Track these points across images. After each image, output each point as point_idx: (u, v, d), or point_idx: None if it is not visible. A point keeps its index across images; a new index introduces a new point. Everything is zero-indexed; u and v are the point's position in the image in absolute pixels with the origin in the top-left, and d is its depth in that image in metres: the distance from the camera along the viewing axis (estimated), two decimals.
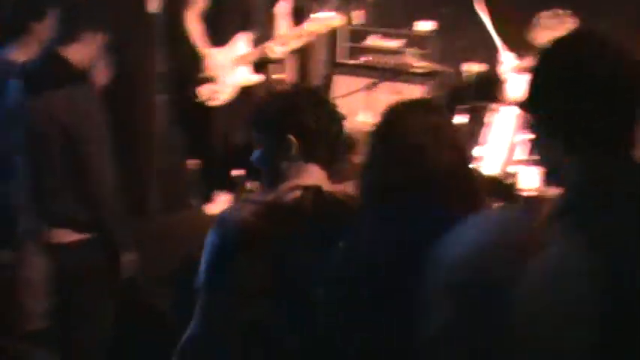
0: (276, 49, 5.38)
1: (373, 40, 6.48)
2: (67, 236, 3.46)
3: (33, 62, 3.66)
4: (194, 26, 5.39)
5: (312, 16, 5.49)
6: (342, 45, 6.42)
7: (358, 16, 6.48)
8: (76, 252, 3.45)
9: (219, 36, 5.41)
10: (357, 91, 5.95)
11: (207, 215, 5.50)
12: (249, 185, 5.54)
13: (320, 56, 6.29)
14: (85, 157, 3.37)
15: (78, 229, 3.45)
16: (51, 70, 3.46)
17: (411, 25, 6.42)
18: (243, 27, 5.39)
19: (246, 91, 5.46)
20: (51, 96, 3.37)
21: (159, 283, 4.48)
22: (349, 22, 6.34)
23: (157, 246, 4.81)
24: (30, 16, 4.22)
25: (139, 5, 5.69)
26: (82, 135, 3.36)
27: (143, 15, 5.71)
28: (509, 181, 4.52)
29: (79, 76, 3.46)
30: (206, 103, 5.44)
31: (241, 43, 5.37)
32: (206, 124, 5.62)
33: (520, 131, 4.59)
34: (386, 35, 6.46)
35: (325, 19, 5.46)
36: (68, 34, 3.46)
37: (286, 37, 5.42)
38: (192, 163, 5.98)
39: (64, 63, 3.41)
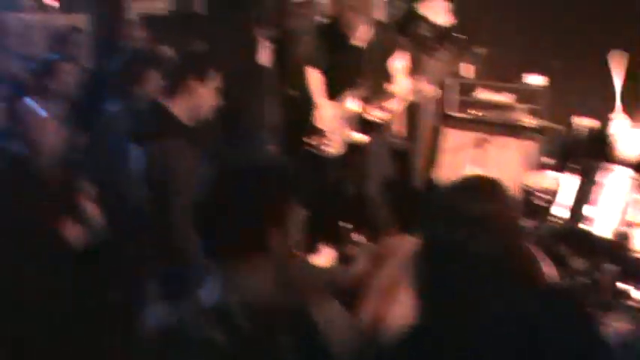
0: (389, 106, 5.45)
1: (482, 94, 6.48)
2: None
3: (141, 112, 3.87)
4: (311, 78, 5.50)
5: (414, 83, 5.52)
6: (452, 97, 6.44)
7: (468, 69, 6.52)
8: None
9: (333, 89, 5.49)
10: (466, 145, 5.96)
11: (311, 267, 5.57)
12: (355, 238, 5.60)
13: (429, 109, 6.32)
14: (168, 207, 3.46)
15: None
16: (156, 121, 3.65)
17: (521, 79, 6.42)
18: (357, 81, 5.45)
19: (356, 144, 5.54)
20: (151, 146, 3.54)
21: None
22: (459, 75, 6.41)
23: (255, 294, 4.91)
24: (143, 66, 4.47)
25: (252, 56, 5.89)
26: (169, 186, 3.46)
27: (255, 66, 5.92)
28: (621, 242, 4.43)
29: (181, 129, 3.60)
30: (317, 155, 5.54)
31: (352, 100, 5.46)
32: (315, 176, 5.72)
33: (634, 192, 4.50)
34: (495, 89, 6.46)
35: (418, 88, 5.52)
36: (177, 85, 3.62)
37: (398, 93, 5.48)
38: (298, 210, 6.07)
39: (170, 115, 3.59)
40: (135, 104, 4.27)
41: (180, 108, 3.62)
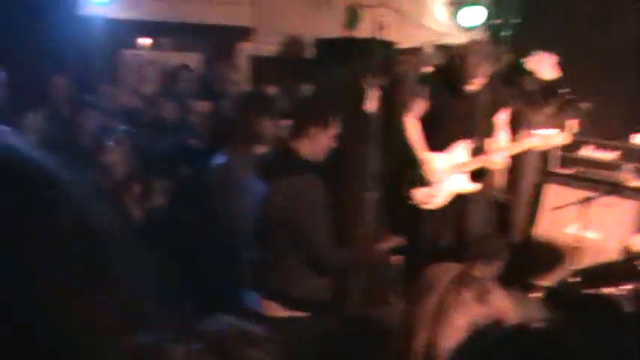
0: (495, 160, 5.46)
1: (587, 151, 6.41)
2: (279, 311, 3.77)
3: (268, 152, 4.08)
4: (413, 129, 5.55)
5: (533, 132, 5.53)
6: (555, 154, 6.40)
7: (573, 125, 6.47)
8: (284, 328, 3.64)
9: (440, 139, 5.53)
10: (569, 204, 5.91)
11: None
12: None
13: (532, 163, 6.29)
14: (302, 234, 3.75)
15: (289, 305, 3.75)
16: (282, 160, 3.88)
17: (627, 138, 6.34)
18: (464, 135, 5.49)
19: (458, 199, 5.56)
20: (278, 182, 3.81)
21: None
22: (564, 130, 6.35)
23: (346, 340, 4.99)
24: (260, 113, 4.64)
25: (359, 103, 5.98)
26: (299, 217, 3.74)
27: (362, 113, 6.00)
28: None
29: (305, 166, 3.85)
30: (418, 206, 5.57)
31: (460, 151, 5.49)
32: (415, 225, 5.75)
33: None
34: (600, 146, 6.38)
35: (547, 137, 5.49)
36: (301, 130, 3.86)
37: (505, 148, 5.49)
38: (396, 259, 6.11)
39: (295, 155, 3.82)
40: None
41: (304, 149, 3.86)
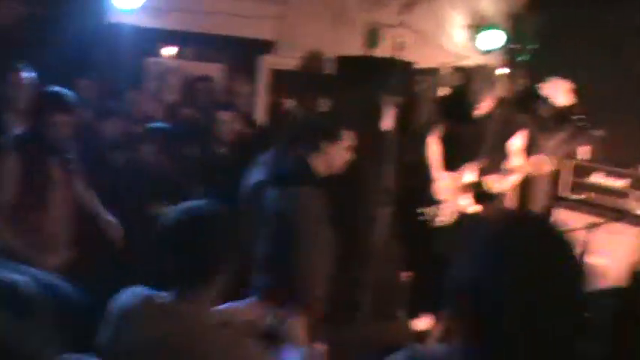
0: (499, 185, 5.55)
1: (597, 178, 6.50)
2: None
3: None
4: (432, 149, 5.67)
5: (532, 158, 5.61)
6: (566, 179, 6.49)
7: (584, 152, 6.56)
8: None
9: (451, 159, 5.64)
10: (578, 229, 5.99)
11: (410, 330, 5.69)
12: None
13: (542, 187, 6.38)
14: (295, 246, 3.80)
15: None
16: (297, 173, 4.02)
17: (637, 166, 6.42)
18: (473, 157, 5.58)
19: (467, 217, 5.66)
20: (285, 191, 3.96)
21: None
22: (574, 157, 6.45)
23: (354, 352, 5.09)
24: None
25: (375, 120, 6.10)
26: (299, 227, 3.81)
27: (377, 131, 6.11)
28: None
29: (316, 180, 3.99)
30: (429, 223, 5.68)
31: (469, 173, 5.59)
32: (425, 242, 5.85)
33: None
34: (611, 174, 6.47)
35: (539, 164, 5.60)
36: (313, 143, 4.02)
37: (515, 169, 5.60)
38: (405, 275, 6.20)
39: (306, 167, 3.99)
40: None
41: (317, 163, 4.00)
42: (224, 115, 5.88)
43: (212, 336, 2.32)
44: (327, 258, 4.03)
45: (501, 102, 5.65)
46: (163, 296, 2.39)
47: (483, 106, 5.48)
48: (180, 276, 2.39)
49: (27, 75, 5.04)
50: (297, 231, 3.80)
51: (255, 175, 4.58)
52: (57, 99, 4.46)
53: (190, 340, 2.27)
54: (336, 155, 4.05)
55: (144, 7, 6.79)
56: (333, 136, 4.04)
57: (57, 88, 4.52)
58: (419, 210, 5.67)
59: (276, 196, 3.98)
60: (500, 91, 5.62)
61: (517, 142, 5.64)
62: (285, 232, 3.83)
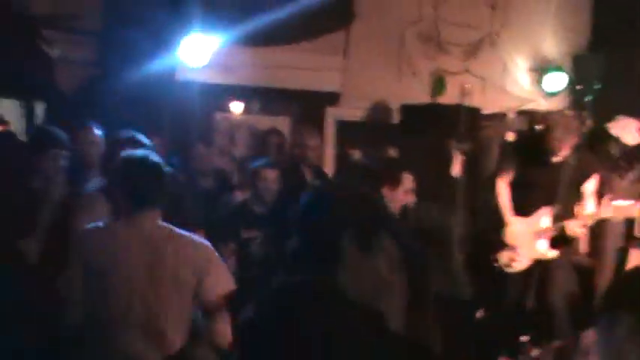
0: (575, 228, 5.50)
1: None
2: None
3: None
4: (503, 193, 5.65)
5: (613, 203, 5.55)
6: None
7: None
8: None
9: (526, 205, 5.62)
10: None
11: None
12: (533, 352, 5.62)
13: (616, 228, 6.28)
14: None
15: None
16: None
17: None
18: (548, 202, 5.56)
19: (542, 263, 5.61)
20: None
21: None
22: None
23: None
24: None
25: (444, 167, 6.11)
26: None
27: (448, 177, 6.12)
28: None
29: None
30: (503, 269, 5.64)
31: (544, 217, 5.55)
32: (499, 288, 5.81)
33: None
34: None
35: (625, 209, 5.52)
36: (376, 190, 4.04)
37: (587, 217, 5.54)
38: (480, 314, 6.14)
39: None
40: None
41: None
42: (268, 173, 5.77)
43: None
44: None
45: (577, 146, 5.64)
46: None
47: (562, 154, 5.49)
48: None
49: (98, 132, 5.16)
50: None
51: None
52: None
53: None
54: (397, 199, 4.14)
55: (212, 64, 6.94)
56: (393, 180, 4.12)
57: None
58: (493, 255, 5.65)
59: None
60: (574, 135, 5.60)
61: (591, 185, 5.61)
62: None
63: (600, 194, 5.86)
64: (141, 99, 6.55)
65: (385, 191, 4.07)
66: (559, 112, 6.08)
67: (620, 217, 5.66)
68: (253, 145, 7.28)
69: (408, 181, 4.22)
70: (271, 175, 5.50)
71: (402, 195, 4.17)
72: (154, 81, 6.68)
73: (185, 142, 6.75)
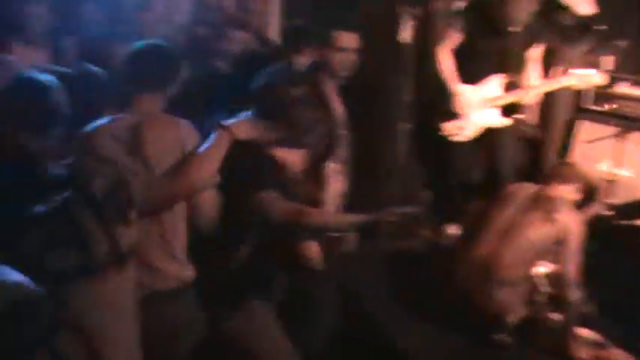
0: (527, 96, 5.45)
1: (621, 88, 6.34)
2: None
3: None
4: (445, 62, 5.52)
5: (570, 70, 5.48)
6: (589, 90, 6.34)
7: (607, 62, 6.39)
8: None
9: (470, 74, 5.51)
10: (602, 138, 5.88)
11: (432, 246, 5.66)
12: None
13: (565, 99, 6.24)
14: None
15: None
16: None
17: None
18: (498, 70, 5.47)
19: (490, 132, 5.56)
20: None
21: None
22: (598, 67, 6.28)
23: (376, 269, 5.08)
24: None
25: (392, 34, 5.94)
26: None
27: (395, 43, 5.95)
28: None
29: None
30: (449, 138, 5.58)
31: (494, 85, 5.47)
32: (445, 158, 5.76)
33: None
34: (635, 83, 6.30)
35: (585, 77, 5.46)
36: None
37: (540, 85, 5.47)
38: (425, 194, 6.13)
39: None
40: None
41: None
42: (238, 35, 5.67)
43: None
44: None
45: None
46: None
47: (519, 25, 5.40)
48: None
49: None
50: None
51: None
52: None
53: None
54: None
55: None
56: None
57: None
58: (439, 124, 5.56)
59: None
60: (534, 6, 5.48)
61: (535, 53, 5.55)
62: None
63: (549, 63, 5.79)
64: None
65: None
66: None
67: (579, 86, 5.60)
68: (195, 11, 6.95)
69: (347, 39, 4.25)
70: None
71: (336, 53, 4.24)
72: None
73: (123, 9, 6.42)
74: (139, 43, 3.33)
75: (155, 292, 3.11)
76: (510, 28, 5.40)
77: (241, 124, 3.32)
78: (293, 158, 3.43)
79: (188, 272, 3.29)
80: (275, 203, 3.24)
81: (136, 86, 3.22)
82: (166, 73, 3.27)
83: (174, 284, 3.22)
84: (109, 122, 3.12)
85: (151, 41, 3.40)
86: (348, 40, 4.31)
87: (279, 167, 3.36)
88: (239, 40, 5.72)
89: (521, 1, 5.36)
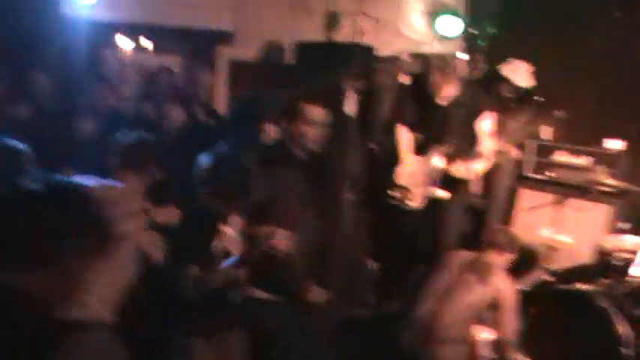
0: (461, 169, 5.53)
1: (560, 156, 6.51)
2: None
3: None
4: (402, 134, 5.65)
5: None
6: (530, 159, 6.50)
7: (546, 132, 6.58)
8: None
9: (418, 145, 5.64)
10: (543, 205, 6.01)
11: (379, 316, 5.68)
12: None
13: (507, 168, 6.37)
14: None
15: None
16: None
17: (599, 143, 6.44)
18: (442, 139, 5.58)
19: (435, 203, 5.64)
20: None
21: None
22: (537, 137, 6.46)
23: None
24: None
25: (338, 106, 6.04)
26: None
27: (341, 115, 6.06)
28: None
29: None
30: (397, 207, 5.64)
31: (435, 157, 5.57)
32: (392, 227, 5.81)
33: None
34: (573, 152, 6.48)
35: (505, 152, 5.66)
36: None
37: (481, 152, 5.58)
38: (372, 262, 6.15)
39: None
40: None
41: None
42: (173, 112, 5.74)
43: None
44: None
45: (464, 87, 5.66)
46: None
47: (445, 94, 5.51)
48: None
49: None
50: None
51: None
52: None
53: None
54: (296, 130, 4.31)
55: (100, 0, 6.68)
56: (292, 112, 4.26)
57: None
58: (388, 192, 5.62)
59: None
60: (459, 77, 5.62)
61: (486, 124, 5.64)
62: None
63: (493, 135, 5.92)
64: (28, 35, 6.26)
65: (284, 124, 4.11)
66: (438, 56, 6.07)
67: (510, 155, 5.75)
68: (143, 84, 7.03)
69: (313, 112, 4.37)
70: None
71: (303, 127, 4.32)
72: (41, 17, 6.40)
73: (74, 79, 6.48)
74: None
75: None
76: (439, 101, 5.53)
77: None
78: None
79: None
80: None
81: None
82: None
83: None
84: None
85: None
86: (318, 113, 4.40)
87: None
88: (178, 116, 5.80)
89: (443, 75, 5.50)
